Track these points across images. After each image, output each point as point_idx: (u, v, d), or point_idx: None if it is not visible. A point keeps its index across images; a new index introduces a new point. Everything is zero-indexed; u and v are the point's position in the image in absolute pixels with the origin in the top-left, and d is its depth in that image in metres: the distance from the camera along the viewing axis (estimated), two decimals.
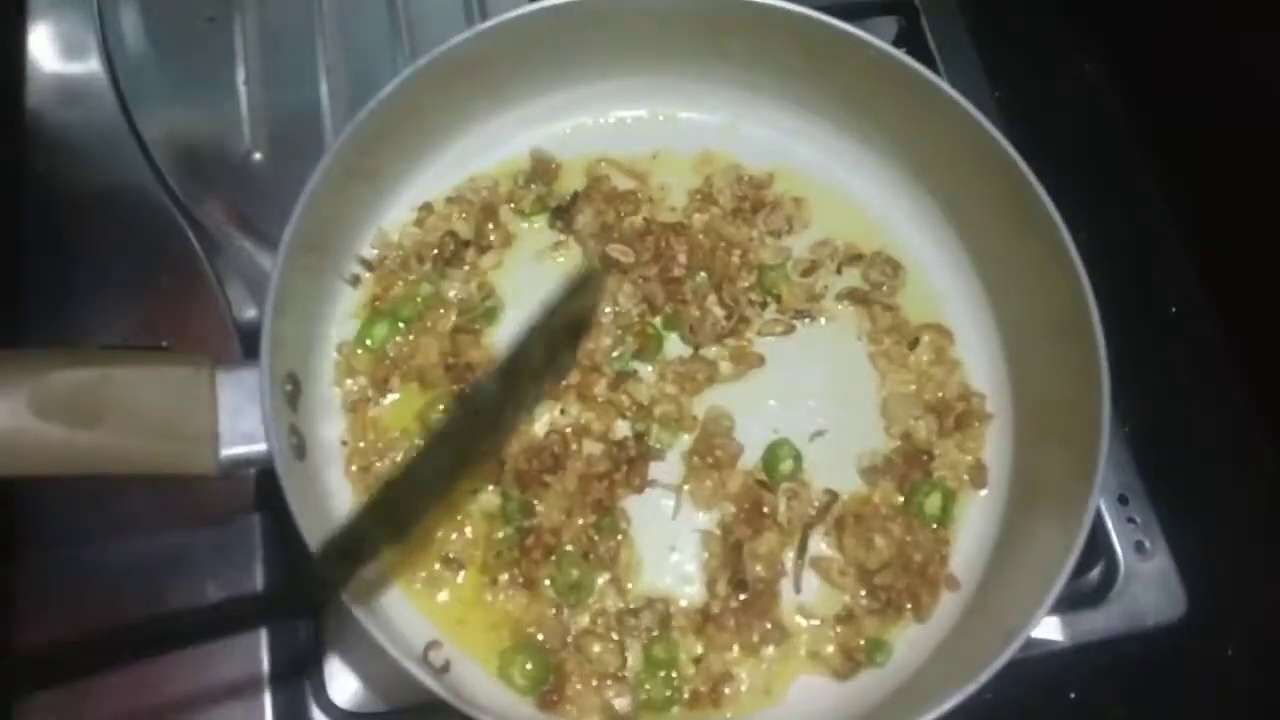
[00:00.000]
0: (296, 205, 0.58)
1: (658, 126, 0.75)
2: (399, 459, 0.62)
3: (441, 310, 0.67)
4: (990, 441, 0.67)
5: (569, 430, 0.64)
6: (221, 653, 0.60)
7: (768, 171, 0.73)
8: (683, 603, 0.61)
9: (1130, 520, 0.70)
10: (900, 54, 0.66)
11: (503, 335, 0.67)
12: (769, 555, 0.62)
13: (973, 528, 0.65)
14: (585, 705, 0.58)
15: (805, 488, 0.64)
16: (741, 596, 0.60)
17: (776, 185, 0.73)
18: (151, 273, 0.69)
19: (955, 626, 0.62)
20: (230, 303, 0.68)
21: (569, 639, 0.59)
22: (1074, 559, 0.54)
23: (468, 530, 0.61)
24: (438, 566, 0.60)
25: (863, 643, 0.61)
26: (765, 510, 0.63)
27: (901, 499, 0.64)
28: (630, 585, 0.61)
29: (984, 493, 0.66)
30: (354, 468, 0.63)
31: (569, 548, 0.61)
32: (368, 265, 0.68)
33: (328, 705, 0.61)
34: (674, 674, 0.59)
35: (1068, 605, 0.67)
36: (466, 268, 0.68)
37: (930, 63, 0.82)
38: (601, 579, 0.61)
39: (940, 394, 0.67)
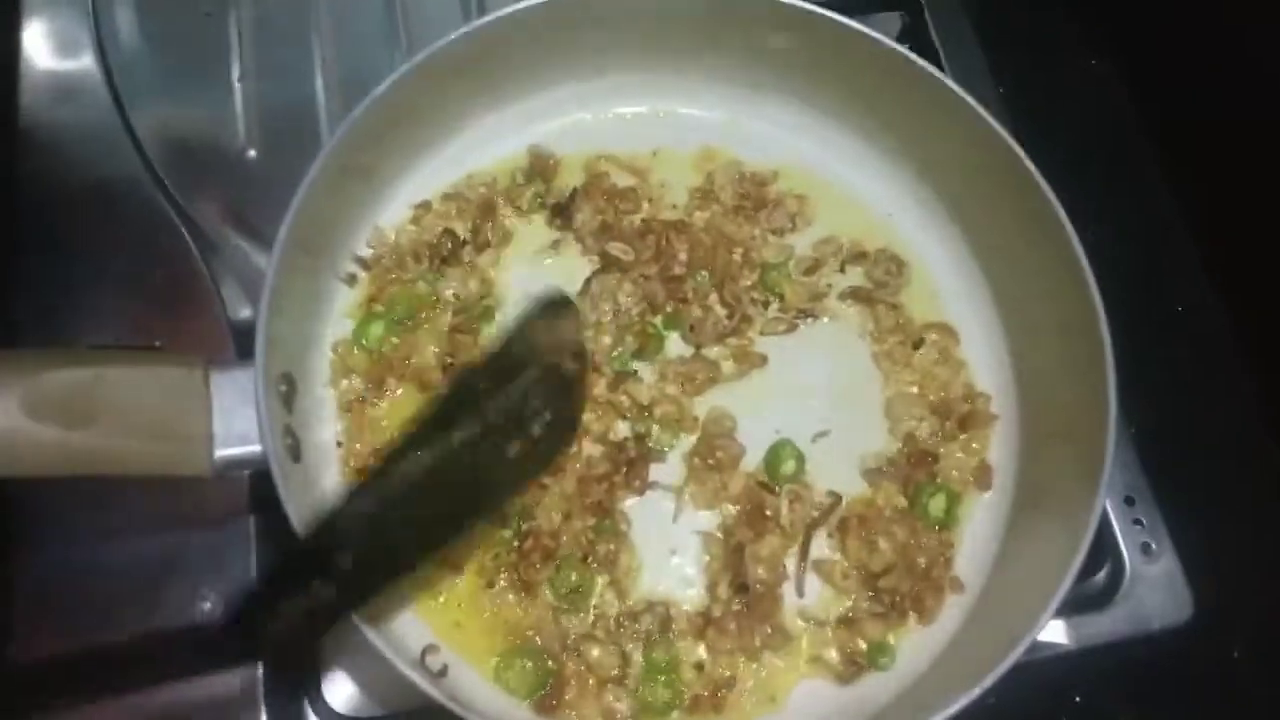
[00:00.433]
0: (292, 203, 0.58)
1: (658, 123, 0.74)
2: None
3: (438, 309, 0.66)
4: (995, 442, 0.66)
5: None
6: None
7: (770, 169, 0.73)
8: (683, 606, 0.61)
9: (1136, 522, 0.69)
10: (904, 50, 0.66)
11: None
12: (771, 558, 0.61)
13: (977, 530, 0.64)
14: (584, 710, 0.57)
15: (808, 489, 0.64)
16: (743, 600, 0.60)
17: (779, 182, 0.73)
18: (146, 271, 0.68)
19: (959, 630, 0.61)
20: (225, 302, 0.68)
21: (568, 643, 0.59)
22: (1079, 561, 0.54)
23: None
24: (435, 569, 0.60)
25: (865, 646, 0.60)
26: (767, 512, 0.62)
27: (905, 501, 0.64)
28: (630, 588, 0.61)
29: (989, 494, 0.65)
30: (350, 469, 0.62)
31: (568, 551, 0.60)
32: (364, 264, 0.68)
33: (324, 710, 0.60)
34: (674, 678, 0.59)
35: (1073, 608, 0.66)
36: (464, 266, 0.68)
37: (934, 58, 0.82)
38: (601, 582, 0.60)
39: (944, 394, 0.67)
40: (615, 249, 0.68)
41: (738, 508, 0.62)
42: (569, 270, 0.69)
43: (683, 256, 0.69)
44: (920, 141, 0.70)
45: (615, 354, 0.66)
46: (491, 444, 0.50)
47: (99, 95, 0.74)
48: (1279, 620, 0.70)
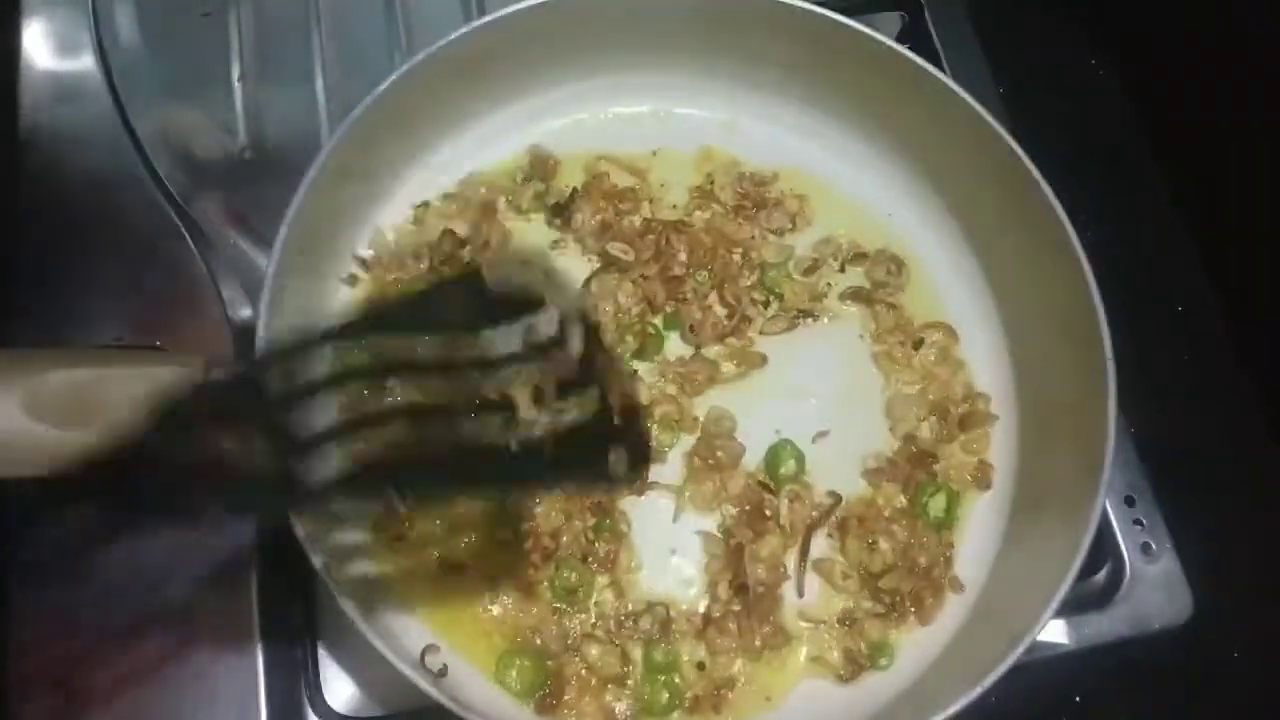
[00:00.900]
0: (292, 203, 0.58)
1: (658, 123, 0.74)
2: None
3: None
4: (995, 442, 0.66)
5: None
6: (217, 655, 0.59)
7: (770, 169, 0.73)
8: (683, 606, 0.61)
9: (1137, 522, 0.69)
10: (904, 50, 0.66)
11: (501, 335, 0.66)
12: (771, 558, 0.61)
13: (977, 530, 0.64)
14: (584, 710, 0.57)
15: (808, 489, 0.64)
16: (743, 600, 0.60)
17: (779, 182, 0.73)
18: (146, 271, 0.68)
19: (959, 629, 0.61)
20: (225, 302, 0.67)
21: (568, 643, 0.59)
22: (1080, 561, 0.54)
23: (465, 533, 0.61)
24: (435, 570, 0.60)
25: (865, 646, 0.60)
26: (767, 512, 0.62)
27: (905, 501, 0.64)
28: (630, 588, 0.61)
29: (989, 494, 0.65)
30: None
31: (568, 551, 0.60)
32: (364, 264, 0.68)
33: (324, 709, 0.60)
34: (674, 678, 0.59)
35: (1073, 608, 0.66)
36: (464, 266, 0.67)
37: (934, 58, 0.82)
38: (601, 582, 0.60)
39: (944, 394, 0.67)
40: (615, 249, 0.68)
41: (738, 508, 0.62)
42: (569, 270, 0.69)
43: (682, 256, 0.69)
44: (920, 141, 0.70)
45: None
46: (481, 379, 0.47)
47: (99, 95, 0.74)
48: (1279, 620, 0.70)
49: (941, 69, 0.72)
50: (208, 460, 0.44)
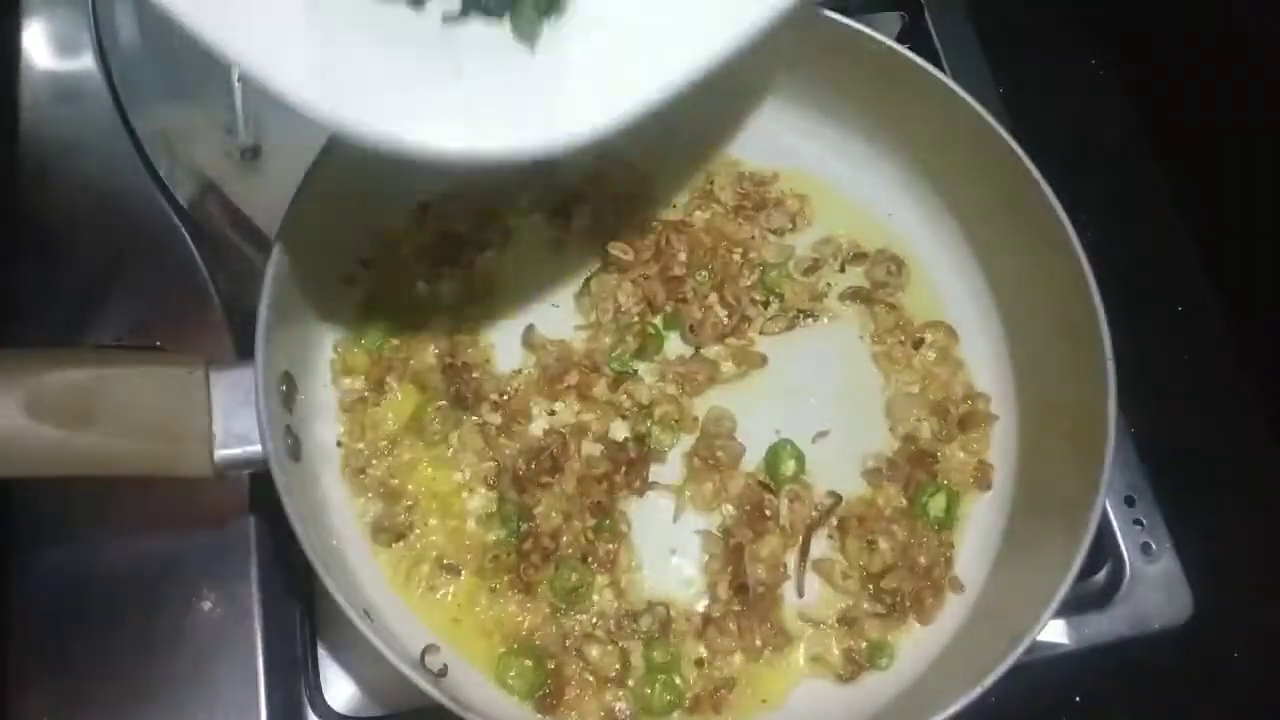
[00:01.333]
0: (292, 203, 0.58)
1: (658, 123, 0.74)
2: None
3: (439, 310, 0.66)
4: (995, 442, 0.66)
5: (567, 431, 0.63)
6: (217, 655, 0.59)
7: (770, 169, 0.73)
8: (683, 606, 0.61)
9: (1137, 522, 0.69)
10: (904, 50, 0.66)
11: (501, 335, 0.66)
12: (771, 558, 0.61)
13: (977, 530, 0.64)
14: (584, 710, 0.57)
15: (808, 489, 0.64)
16: (743, 600, 0.60)
17: (779, 183, 0.72)
18: (146, 272, 0.68)
19: (959, 630, 0.61)
20: (225, 302, 0.67)
21: (568, 643, 0.58)
22: (1080, 561, 0.54)
23: (465, 533, 0.61)
24: (435, 570, 0.60)
25: (865, 646, 0.60)
26: (767, 512, 0.62)
27: (905, 501, 0.64)
28: (630, 588, 0.60)
29: (989, 494, 0.65)
30: (350, 469, 0.62)
31: (568, 551, 0.60)
32: (364, 264, 0.67)
33: (324, 709, 0.60)
34: (674, 678, 0.58)
35: (1073, 608, 0.66)
36: (464, 266, 0.68)
37: (934, 58, 0.82)
38: (601, 582, 0.60)
39: (944, 394, 0.67)
40: (615, 249, 0.68)
41: (738, 508, 0.62)
42: (569, 270, 0.69)
43: (683, 256, 0.69)
44: (920, 141, 0.70)
45: (615, 354, 0.66)
46: None
47: (99, 95, 0.73)
48: (1279, 620, 0.70)
49: (941, 69, 0.72)
50: None
